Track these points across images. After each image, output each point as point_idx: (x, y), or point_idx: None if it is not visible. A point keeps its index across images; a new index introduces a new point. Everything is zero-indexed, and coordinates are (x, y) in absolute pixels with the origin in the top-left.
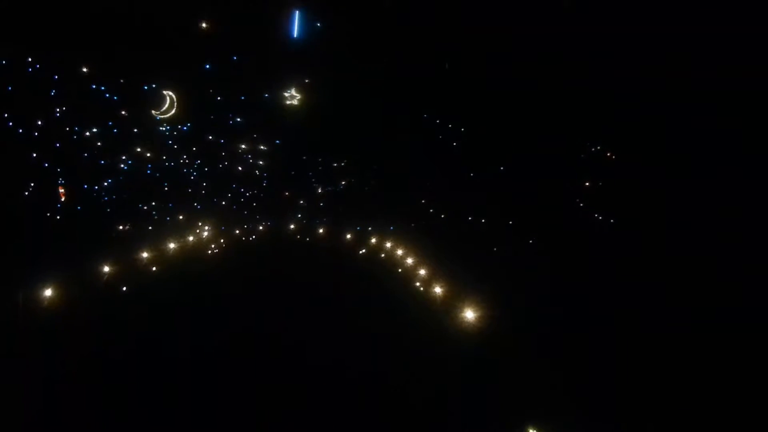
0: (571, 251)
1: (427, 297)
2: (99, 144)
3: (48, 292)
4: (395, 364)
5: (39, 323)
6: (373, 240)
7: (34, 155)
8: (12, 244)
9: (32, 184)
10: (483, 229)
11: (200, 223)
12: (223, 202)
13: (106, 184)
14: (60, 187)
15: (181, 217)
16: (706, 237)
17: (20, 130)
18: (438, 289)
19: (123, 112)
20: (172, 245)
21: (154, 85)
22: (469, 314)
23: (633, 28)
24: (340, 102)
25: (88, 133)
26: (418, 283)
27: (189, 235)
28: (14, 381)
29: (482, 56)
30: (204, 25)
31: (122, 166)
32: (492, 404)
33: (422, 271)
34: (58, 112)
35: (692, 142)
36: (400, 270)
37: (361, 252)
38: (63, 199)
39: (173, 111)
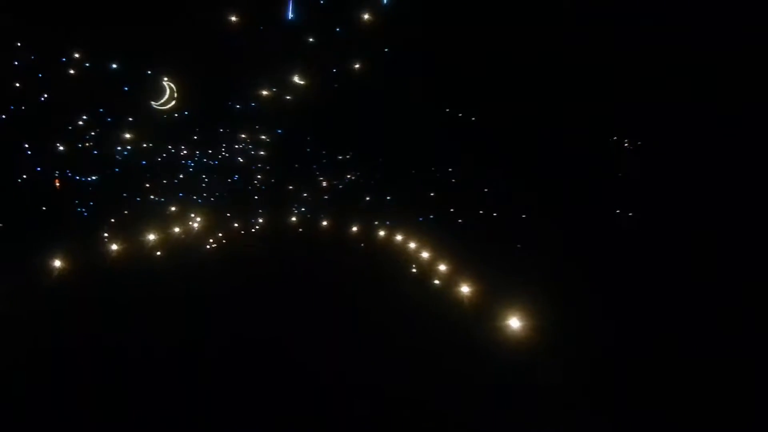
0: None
1: (451, 298)
2: (94, 135)
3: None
4: (413, 377)
5: (27, 315)
6: (381, 233)
7: (26, 145)
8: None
9: (24, 176)
10: (512, 222)
11: (198, 217)
12: (223, 195)
13: (101, 175)
14: (56, 180)
15: (178, 210)
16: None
17: (9, 120)
18: (465, 289)
19: (120, 103)
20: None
21: (153, 74)
22: (514, 323)
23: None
24: (345, 91)
25: (82, 123)
26: (438, 281)
27: (186, 229)
28: None
29: (490, 48)
30: (207, 11)
31: (118, 157)
32: None
33: (442, 267)
34: (50, 101)
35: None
36: (414, 266)
37: (367, 246)
38: (58, 190)
39: (173, 102)
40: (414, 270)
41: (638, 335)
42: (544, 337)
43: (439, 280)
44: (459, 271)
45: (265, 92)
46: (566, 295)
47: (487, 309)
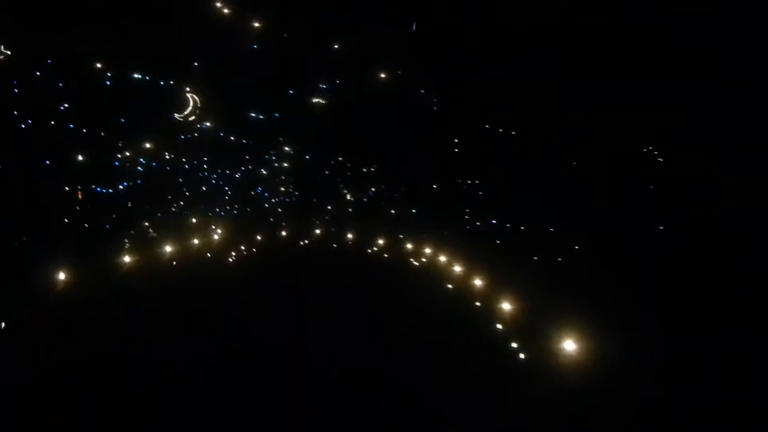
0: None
1: (490, 315)
2: (117, 146)
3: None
4: (452, 406)
5: (47, 325)
6: (409, 246)
7: (50, 156)
8: (25, 245)
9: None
10: (547, 233)
11: (221, 230)
12: (247, 208)
13: (123, 186)
14: (79, 193)
15: (201, 223)
16: None
17: (36, 130)
18: (506, 306)
19: (143, 115)
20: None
21: (176, 86)
22: (569, 345)
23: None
24: (369, 103)
25: (104, 135)
26: (471, 297)
27: (210, 242)
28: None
29: (513, 56)
30: (231, 21)
31: (140, 168)
32: None
33: (477, 282)
34: (72, 111)
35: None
36: (444, 280)
37: (393, 257)
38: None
39: (197, 114)
40: (440, 281)
41: (690, 352)
42: (590, 357)
43: (474, 295)
44: (497, 285)
45: (288, 103)
46: (608, 313)
47: (527, 327)
